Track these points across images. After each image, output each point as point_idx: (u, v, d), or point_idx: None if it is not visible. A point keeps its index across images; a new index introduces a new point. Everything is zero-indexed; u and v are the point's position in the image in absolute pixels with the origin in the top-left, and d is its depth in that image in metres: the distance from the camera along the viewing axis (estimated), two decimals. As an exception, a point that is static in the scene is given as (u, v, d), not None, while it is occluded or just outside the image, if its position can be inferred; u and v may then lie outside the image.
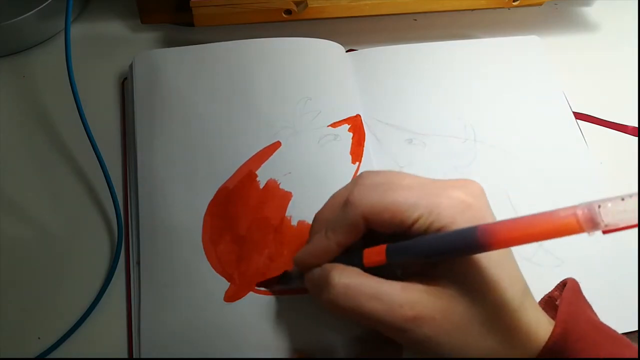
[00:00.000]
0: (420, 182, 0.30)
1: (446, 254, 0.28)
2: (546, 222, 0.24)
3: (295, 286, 0.35)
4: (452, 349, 0.28)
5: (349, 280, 0.29)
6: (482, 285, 0.28)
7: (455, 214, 0.28)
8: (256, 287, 0.36)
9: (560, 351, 0.28)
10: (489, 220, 0.29)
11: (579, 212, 0.23)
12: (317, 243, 0.32)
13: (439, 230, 0.28)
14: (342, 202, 0.31)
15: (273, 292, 0.36)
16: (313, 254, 0.32)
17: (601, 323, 0.31)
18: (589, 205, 0.23)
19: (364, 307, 0.28)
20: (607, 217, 0.23)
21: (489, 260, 0.28)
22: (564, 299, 0.30)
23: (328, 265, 0.31)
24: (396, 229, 0.29)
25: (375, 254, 0.30)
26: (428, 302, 0.28)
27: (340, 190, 0.33)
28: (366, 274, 0.30)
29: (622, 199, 0.22)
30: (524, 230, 0.25)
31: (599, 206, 0.23)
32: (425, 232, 0.29)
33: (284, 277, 0.36)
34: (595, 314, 0.32)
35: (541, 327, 0.29)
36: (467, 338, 0.28)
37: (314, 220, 0.34)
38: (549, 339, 0.29)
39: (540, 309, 0.30)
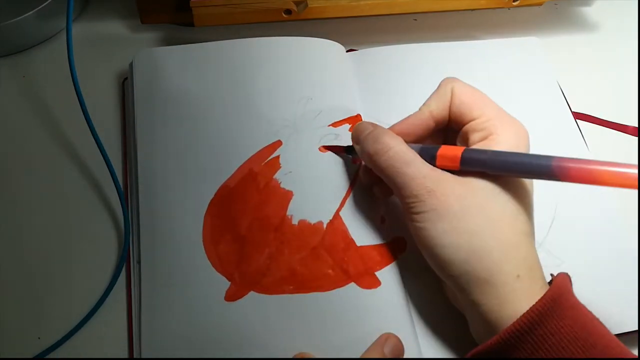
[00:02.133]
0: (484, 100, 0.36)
1: (517, 173, 0.32)
2: (614, 172, 0.28)
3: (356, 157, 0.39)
4: (447, 230, 0.32)
5: (395, 143, 0.34)
6: (502, 195, 0.32)
7: (510, 135, 0.34)
8: (321, 147, 0.40)
9: (547, 314, 0.29)
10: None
11: None
12: (411, 115, 0.37)
13: (483, 137, 0.34)
14: None
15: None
16: (408, 120, 0.37)
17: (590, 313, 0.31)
18: None
19: (397, 168, 0.34)
20: None
21: (519, 187, 0.33)
22: (558, 278, 0.32)
23: (380, 128, 0.36)
24: (457, 119, 0.36)
25: (450, 156, 0.33)
26: (448, 183, 0.33)
27: None
28: (411, 149, 0.34)
29: None
30: (593, 174, 0.28)
31: None
32: (473, 131, 0.34)
33: (349, 149, 0.39)
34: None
35: (535, 283, 0.31)
36: (468, 224, 0.32)
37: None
38: (540, 300, 0.30)
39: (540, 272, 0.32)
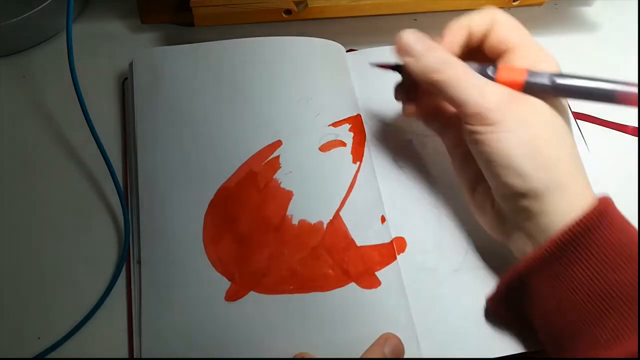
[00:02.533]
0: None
1: (582, 96, 0.34)
2: None
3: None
4: (523, 139, 0.32)
5: (458, 62, 0.34)
6: (564, 114, 0.34)
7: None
8: (372, 63, 0.40)
9: (594, 225, 0.31)
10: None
11: None
12: (448, 30, 0.37)
13: (502, 52, 0.36)
14: None
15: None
16: (447, 35, 0.37)
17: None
18: None
19: (464, 82, 0.34)
20: None
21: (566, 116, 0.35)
22: (605, 196, 0.33)
23: (432, 42, 0.35)
24: (502, 44, 0.36)
25: (513, 73, 0.34)
26: (517, 96, 0.34)
27: None
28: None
29: None
30: None
31: None
32: (521, 58, 0.35)
33: (398, 67, 0.38)
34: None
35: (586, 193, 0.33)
36: (543, 134, 0.33)
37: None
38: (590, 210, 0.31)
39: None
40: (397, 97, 0.40)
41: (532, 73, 0.34)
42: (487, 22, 0.36)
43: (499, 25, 0.36)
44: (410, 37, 0.35)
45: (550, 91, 0.34)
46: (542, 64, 0.35)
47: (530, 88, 0.34)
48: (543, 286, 0.32)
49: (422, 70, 0.35)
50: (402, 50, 0.36)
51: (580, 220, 0.31)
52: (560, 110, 0.34)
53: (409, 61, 0.35)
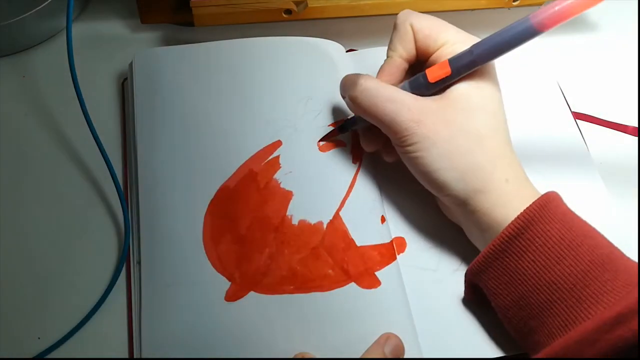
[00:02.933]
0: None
1: (505, 49, 0.34)
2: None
3: (353, 128, 0.40)
4: (440, 154, 0.34)
5: (371, 84, 0.36)
6: (481, 111, 0.35)
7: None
8: (319, 143, 0.41)
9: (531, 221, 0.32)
10: None
11: None
12: (384, 65, 0.39)
13: (432, 51, 0.37)
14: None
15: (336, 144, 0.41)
16: (383, 71, 0.38)
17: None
18: None
19: (379, 106, 0.35)
20: None
21: (490, 98, 0.36)
22: (550, 192, 0.34)
23: (360, 74, 0.37)
24: (424, 51, 0.38)
25: (438, 68, 0.36)
26: (432, 110, 0.35)
27: None
28: (388, 85, 0.37)
29: None
30: (568, 8, 0.31)
31: None
32: (444, 57, 0.36)
33: (343, 126, 0.41)
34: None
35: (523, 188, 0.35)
36: (458, 145, 0.34)
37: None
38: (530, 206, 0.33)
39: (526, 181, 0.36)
40: (366, 148, 0.40)
41: (452, 59, 0.35)
42: (409, 42, 0.38)
43: (418, 35, 0.38)
44: (343, 78, 0.39)
45: (478, 62, 0.35)
46: (464, 44, 0.36)
47: (458, 72, 0.35)
48: (495, 283, 0.33)
49: (351, 103, 0.37)
50: (341, 91, 0.39)
51: (520, 216, 0.33)
52: (492, 105, 0.36)
53: (345, 101, 0.39)
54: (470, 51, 0.35)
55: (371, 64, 0.47)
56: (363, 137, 0.40)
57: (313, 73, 0.44)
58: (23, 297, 0.37)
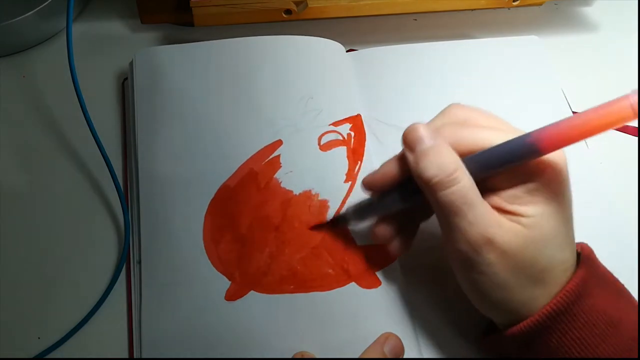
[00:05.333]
0: (498, 122, 0.32)
1: (502, 164, 0.29)
2: (600, 116, 0.26)
3: (345, 226, 0.38)
4: (506, 274, 0.30)
5: (464, 176, 0.30)
6: (552, 225, 0.30)
7: None
8: (310, 229, 0.38)
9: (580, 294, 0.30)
10: None
11: (632, 100, 0.25)
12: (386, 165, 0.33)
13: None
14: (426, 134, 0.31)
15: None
16: (381, 172, 0.33)
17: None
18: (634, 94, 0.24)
19: (459, 207, 0.29)
20: None
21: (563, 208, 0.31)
22: (584, 252, 0.32)
23: (444, 143, 0.31)
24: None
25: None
26: (504, 229, 0.30)
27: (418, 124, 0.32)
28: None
29: None
30: (575, 129, 0.27)
31: None
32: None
33: (335, 221, 0.38)
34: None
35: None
36: (526, 264, 0.30)
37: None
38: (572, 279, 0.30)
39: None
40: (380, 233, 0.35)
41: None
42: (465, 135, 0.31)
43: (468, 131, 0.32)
44: (416, 132, 0.31)
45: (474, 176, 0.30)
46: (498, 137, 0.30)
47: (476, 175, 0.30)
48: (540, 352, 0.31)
49: (418, 176, 0.31)
50: (406, 144, 0.32)
51: (560, 296, 0.30)
52: (563, 211, 0.31)
53: (409, 156, 0.31)
54: (465, 162, 0.30)
55: (371, 64, 0.47)
56: (381, 222, 0.35)
57: (313, 72, 0.44)
58: (23, 297, 0.37)
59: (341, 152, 0.41)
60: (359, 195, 0.39)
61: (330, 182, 0.40)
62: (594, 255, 0.33)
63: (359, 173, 0.40)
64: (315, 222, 0.38)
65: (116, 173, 0.40)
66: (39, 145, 0.43)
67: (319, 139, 0.41)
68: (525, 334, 0.30)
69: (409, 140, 0.32)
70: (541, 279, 0.30)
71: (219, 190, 0.39)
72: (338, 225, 0.38)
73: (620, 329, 0.30)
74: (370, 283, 0.37)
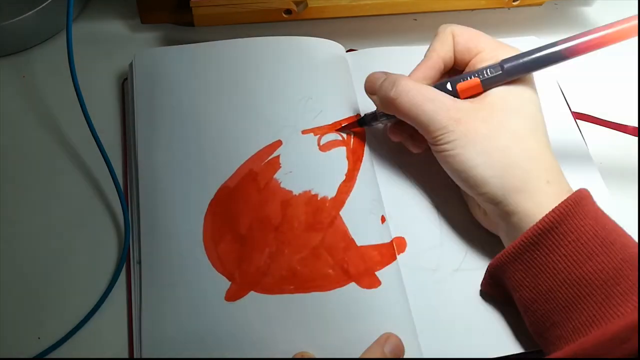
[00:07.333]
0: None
1: (534, 68, 0.36)
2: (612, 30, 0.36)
3: (372, 124, 0.41)
4: (478, 151, 0.35)
5: (411, 84, 0.37)
6: (519, 113, 0.36)
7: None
8: (336, 130, 0.41)
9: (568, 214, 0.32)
10: None
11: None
12: (421, 64, 0.39)
13: (468, 60, 0.38)
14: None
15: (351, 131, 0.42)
16: (419, 69, 0.38)
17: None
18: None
19: (420, 106, 0.36)
20: None
21: (528, 101, 0.37)
22: (581, 189, 0.34)
23: (394, 74, 0.38)
24: (464, 55, 0.38)
25: (469, 87, 0.36)
26: (470, 110, 0.36)
27: None
28: (424, 85, 0.37)
29: None
30: (596, 40, 0.35)
31: None
32: (481, 62, 0.37)
33: (363, 120, 0.42)
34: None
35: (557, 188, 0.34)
36: (497, 142, 0.35)
37: None
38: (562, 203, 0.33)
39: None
40: (392, 138, 0.41)
41: (484, 80, 0.36)
42: (449, 45, 0.39)
43: (458, 38, 0.39)
44: (372, 76, 0.39)
45: (505, 77, 0.36)
46: (502, 55, 0.37)
47: (488, 83, 0.36)
48: (522, 275, 0.33)
49: (385, 104, 0.38)
50: (367, 89, 0.39)
51: (554, 210, 0.33)
52: (529, 107, 0.36)
53: (373, 98, 0.39)
54: (500, 67, 0.36)
55: (371, 64, 0.47)
56: (391, 129, 0.40)
57: (313, 73, 0.44)
58: (23, 297, 0.37)
59: (341, 152, 0.41)
60: (359, 195, 0.39)
61: (329, 182, 0.40)
62: (592, 198, 0.34)
63: (359, 173, 0.40)
64: (315, 222, 0.38)
65: (116, 173, 0.40)
66: (38, 145, 0.43)
67: (319, 139, 0.41)
68: (525, 244, 0.33)
69: (368, 87, 0.39)
70: (517, 175, 0.34)
71: (219, 190, 0.39)
72: (365, 124, 0.42)
73: (613, 250, 0.31)
74: (370, 283, 0.37)
